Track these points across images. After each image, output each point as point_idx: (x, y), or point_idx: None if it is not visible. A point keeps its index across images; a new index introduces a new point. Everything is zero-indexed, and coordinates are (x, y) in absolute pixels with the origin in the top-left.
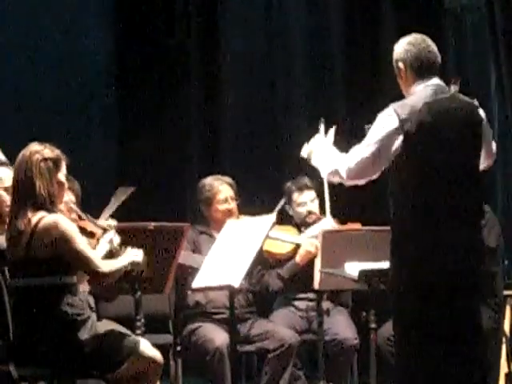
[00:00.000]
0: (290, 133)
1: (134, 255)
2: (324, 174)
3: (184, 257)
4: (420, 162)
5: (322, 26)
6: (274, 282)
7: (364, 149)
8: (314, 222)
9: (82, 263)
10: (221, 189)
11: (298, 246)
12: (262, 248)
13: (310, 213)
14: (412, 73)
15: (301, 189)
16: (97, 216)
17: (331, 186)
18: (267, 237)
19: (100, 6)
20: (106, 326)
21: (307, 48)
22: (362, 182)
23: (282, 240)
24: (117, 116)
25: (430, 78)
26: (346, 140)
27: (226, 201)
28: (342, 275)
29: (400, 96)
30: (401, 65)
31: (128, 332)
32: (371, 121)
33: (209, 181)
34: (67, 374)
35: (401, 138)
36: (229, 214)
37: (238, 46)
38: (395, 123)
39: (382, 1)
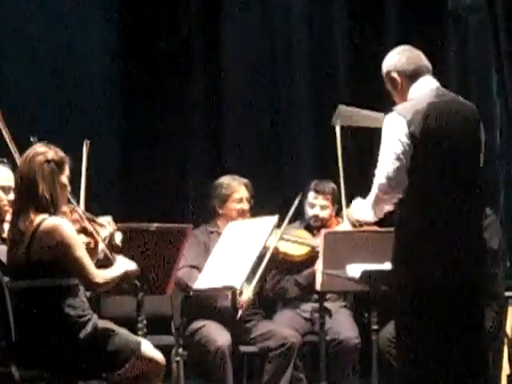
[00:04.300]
0: (293, 133)
1: (127, 265)
2: (370, 213)
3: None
4: (424, 164)
5: (324, 28)
6: (291, 289)
7: (385, 161)
8: (320, 227)
9: (78, 271)
10: (238, 188)
11: (313, 249)
12: (277, 251)
13: (315, 217)
14: (407, 79)
15: (317, 191)
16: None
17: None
18: (270, 235)
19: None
20: (107, 327)
21: (310, 47)
22: (399, 193)
23: (299, 243)
24: (120, 116)
25: (424, 78)
26: None
27: (241, 201)
28: (344, 276)
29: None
30: (394, 74)
31: (130, 333)
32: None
33: (226, 179)
34: (69, 376)
35: (409, 140)
36: (242, 214)
37: (239, 47)
38: (404, 125)
39: (386, 5)
